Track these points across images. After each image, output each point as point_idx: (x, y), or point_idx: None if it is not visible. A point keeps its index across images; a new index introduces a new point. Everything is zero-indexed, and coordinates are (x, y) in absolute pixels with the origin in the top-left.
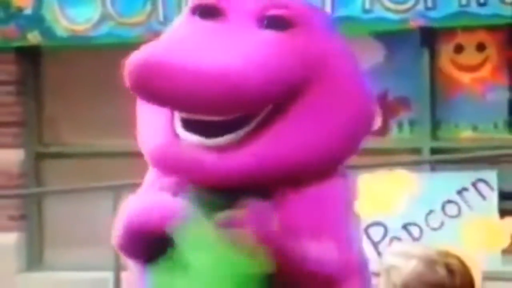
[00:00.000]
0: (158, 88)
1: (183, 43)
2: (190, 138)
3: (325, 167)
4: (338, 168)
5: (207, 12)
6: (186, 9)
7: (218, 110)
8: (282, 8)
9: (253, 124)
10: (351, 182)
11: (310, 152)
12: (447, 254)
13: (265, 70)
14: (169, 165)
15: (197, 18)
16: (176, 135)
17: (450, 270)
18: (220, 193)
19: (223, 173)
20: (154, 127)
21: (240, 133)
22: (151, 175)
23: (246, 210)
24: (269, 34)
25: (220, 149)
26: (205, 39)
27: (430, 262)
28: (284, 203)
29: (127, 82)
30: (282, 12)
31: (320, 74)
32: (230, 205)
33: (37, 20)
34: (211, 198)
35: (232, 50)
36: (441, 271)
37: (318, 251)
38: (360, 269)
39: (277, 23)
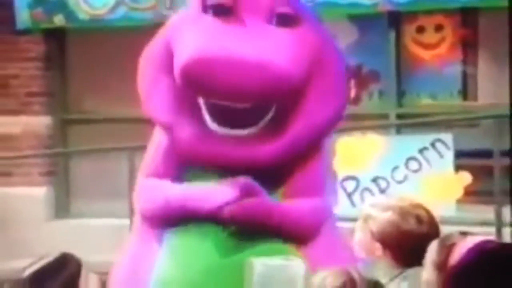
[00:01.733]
0: (215, 81)
1: (219, 40)
2: (220, 130)
3: (322, 138)
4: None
5: (220, 11)
6: (194, 6)
7: (262, 96)
8: (286, 5)
9: (269, 115)
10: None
11: (316, 131)
12: (418, 206)
13: (295, 64)
14: (204, 156)
15: (209, 16)
16: (206, 130)
17: (419, 220)
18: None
19: (258, 160)
20: (183, 121)
21: (261, 124)
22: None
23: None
24: (285, 32)
25: (247, 139)
26: (235, 35)
27: (403, 213)
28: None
29: (184, 80)
30: (288, 9)
31: (318, 64)
32: None
33: (61, 5)
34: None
35: (265, 45)
36: (412, 221)
37: (312, 207)
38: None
39: (285, 20)
